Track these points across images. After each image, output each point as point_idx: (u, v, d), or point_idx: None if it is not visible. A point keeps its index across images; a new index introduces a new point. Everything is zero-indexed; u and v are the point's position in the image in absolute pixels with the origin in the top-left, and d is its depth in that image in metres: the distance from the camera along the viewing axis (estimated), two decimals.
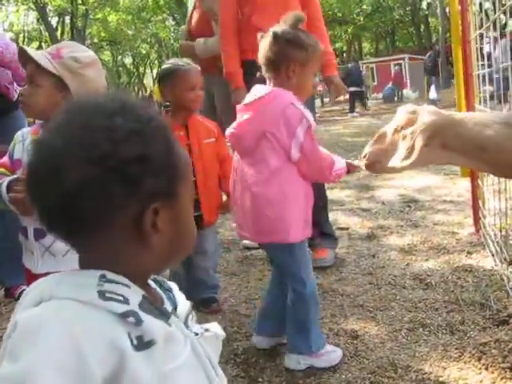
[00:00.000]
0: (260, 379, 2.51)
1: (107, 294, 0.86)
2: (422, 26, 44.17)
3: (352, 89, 19.09)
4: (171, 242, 0.97)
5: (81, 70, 2.10)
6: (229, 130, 2.56)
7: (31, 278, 2.20)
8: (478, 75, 3.76)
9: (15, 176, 2.05)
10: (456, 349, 2.59)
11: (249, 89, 2.60)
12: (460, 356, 2.52)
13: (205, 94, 4.32)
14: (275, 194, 2.41)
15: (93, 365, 0.78)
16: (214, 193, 3.15)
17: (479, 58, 3.82)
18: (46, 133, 0.93)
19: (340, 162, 2.49)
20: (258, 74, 2.57)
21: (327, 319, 3.00)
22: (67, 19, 38.31)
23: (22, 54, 2.11)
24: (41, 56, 2.08)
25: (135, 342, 0.84)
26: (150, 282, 1.04)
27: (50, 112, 2.15)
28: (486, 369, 2.38)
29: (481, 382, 2.30)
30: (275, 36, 2.41)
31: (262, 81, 2.55)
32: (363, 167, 2.20)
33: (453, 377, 2.37)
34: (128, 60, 53.61)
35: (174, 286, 1.11)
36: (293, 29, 2.42)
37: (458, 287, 3.25)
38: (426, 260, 3.77)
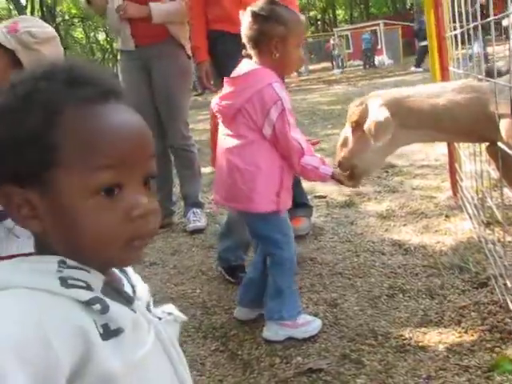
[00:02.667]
0: (239, 352, 2.48)
1: (69, 281, 0.81)
2: None
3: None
4: (64, 233, 0.84)
5: (36, 45, 2.02)
6: (214, 101, 2.56)
7: None
8: (451, 37, 3.71)
9: None
10: (436, 313, 2.58)
11: (216, 58, 2.60)
12: (440, 320, 2.51)
13: (132, 70, 4.15)
14: (246, 164, 2.43)
15: (60, 354, 0.73)
16: None
17: (451, 20, 3.77)
18: None
19: (315, 160, 2.40)
20: (243, 52, 2.51)
21: (306, 289, 2.98)
22: None
23: None
24: None
25: (101, 330, 0.80)
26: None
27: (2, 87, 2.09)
28: (466, 332, 2.38)
29: (461, 345, 2.29)
30: (253, 14, 2.42)
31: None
32: (346, 183, 2.31)
33: (433, 341, 2.36)
34: (101, 36, 52.90)
35: (128, 268, 1.02)
36: (270, 4, 2.42)
37: (437, 251, 3.24)
38: (405, 225, 3.75)
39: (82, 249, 0.85)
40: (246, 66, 2.48)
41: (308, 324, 2.57)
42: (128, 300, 0.90)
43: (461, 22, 3.20)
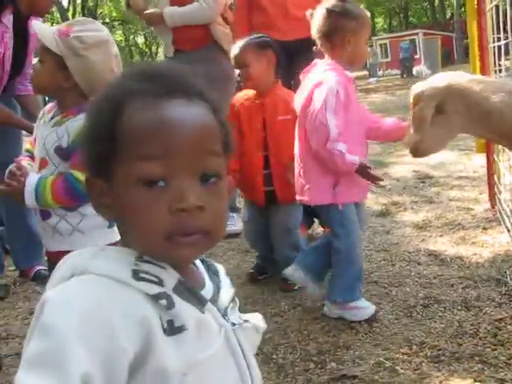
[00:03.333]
0: (274, 356, 2.50)
1: (141, 274, 0.83)
2: (436, 1, 43.64)
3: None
4: (126, 224, 0.88)
5: (84, 51, 2.02)
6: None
7: (48, 255, 2.28)
8: (494, 48, 3.69)
9: (10, 168, 2.07)
10: (471, 325, 2.56)
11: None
12: (475, 332, 2.50)
13: None
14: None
15: (123, 341, 0.76)
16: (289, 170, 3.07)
17: (495, 30, 3.75)
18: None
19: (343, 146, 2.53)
20: (314, 48, 2.79)
21: None
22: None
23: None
24: (46, 33, 2.05)
25: (165, 325, 0.81)
26: (198, 263, 0.99)
27: (52, 90, 2.14)
28: (502, 345, 2.36)
29: (496, 357, 2.28)
30: (327, 10, 2.58)
31: None
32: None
33: (468, 353, 2.34)
34: (140, 40, 53.46)
35: (220, 268, 1.04)
36: (341, 1, 2.60)
37: (474, 263, 3.22)
38: (441, 236, 3.74)
39: (135, 239, 0.88)
40: (318, 69, 2.66)
41: (359, 309, 2.71)
42: (200, 300, 0.89)
43: (506, 32, 3.20)
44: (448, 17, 42.30)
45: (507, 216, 3.53)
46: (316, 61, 2.73)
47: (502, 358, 2.27)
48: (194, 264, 0.98)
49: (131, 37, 51.64)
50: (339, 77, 2.58)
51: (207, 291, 0.94)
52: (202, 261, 1.00)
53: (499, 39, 3.51)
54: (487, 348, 2.36)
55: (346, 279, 2.75)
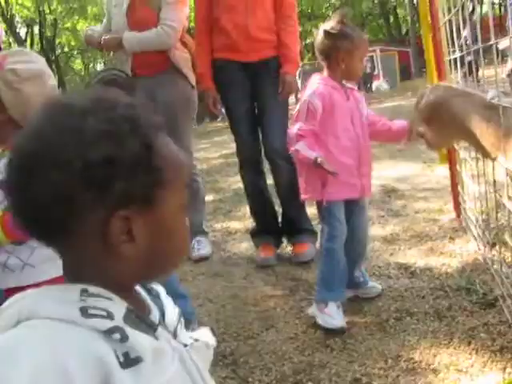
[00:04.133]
0: (250, 379, 2.48)
1: (90, 311, 0.81)
2: (391, 18, 44.34)
3: None
4: (151, 251, 0.89)
5: (18, 84, 1.95)
6: None
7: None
8: (450, 61, 3.75)
9: None
10: (445, 335, 2.58)
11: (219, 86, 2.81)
12: (449, 342, 2.51)
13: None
14: None
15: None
16: None
17: (449, 44, 3.81)
18: (20, 136, 0.87)
19: (305, 149, 2.77)
20: (316, 63, 3.00)
21: None
22: (36, 29, 38.00)
23: None
24: None
25: (121, 358, 0.80)
26: (138, 288, 0.98)
27: None
28: (476, 353, 2.38)
29: (472, 366, 2.29)
30: (325, 32, 2.86)
31: None
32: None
33: (444, 363, 2.36)
34: (99, 67, 53.27)
35: (161, 290, 1.04)
36: (339, 24, 2.84)
37: (443, 273, 3.24)
38: (410, 248, 3.76)
39: (167, 262, 0.95)
40: (312, 79, 2.97)
41: (330, 317, 2.79)
42: (151, 326, 0.90)
43: (460, 46, 3.25)
44: (404, 32, 42.99)
45: (473, 225, 3.56)
46: (313, 75, 3.01)
47: (477, 366, 2.29)
48: (135, 290, 0.97)
49: (91, 65, 51.41)
50: (320, 88, 2.85)
51: (154, 316, 0.95)
52: (143, 286, 1.00)
53: (454, 52, 3.57)
54: (462, 357, 2.37)
55: (325, 276, 2.90)
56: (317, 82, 2.91)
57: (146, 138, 0.87)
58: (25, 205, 0.85)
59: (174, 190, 0.91)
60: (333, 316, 2.79)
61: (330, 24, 2.89)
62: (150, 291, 1.01)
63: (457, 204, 4.17)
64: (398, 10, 43.70)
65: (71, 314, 0.80)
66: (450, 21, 3.63)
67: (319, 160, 2.70)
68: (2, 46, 3.56)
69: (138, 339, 0.83)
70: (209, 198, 6.19)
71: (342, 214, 2.89)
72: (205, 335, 1.09)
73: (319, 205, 2.95)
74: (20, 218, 0.87)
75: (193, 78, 4.15)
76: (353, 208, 2.97)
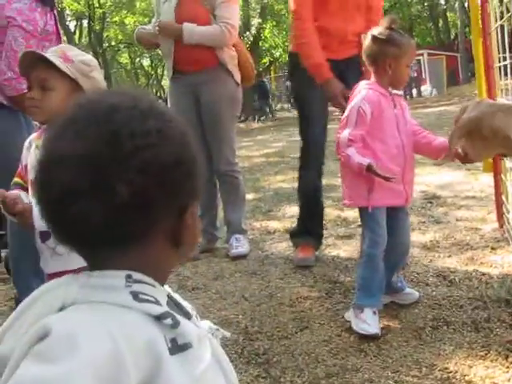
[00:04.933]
0: (282, 379, 2.47)
1: (140, 296, 0.82)
2: (441, 21, 43.84)
3: None
4: (190, 238, 0.94)
5: (91, 73, 2.14)
6: None
7: (47, 278, 2.24)
8: (500, 68, 3.69)
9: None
10: (482, 347, 2.54)
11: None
12: (486, 354, 2.47)
13: (180, 96, 4.22)
14: None
15: (130, 370, 0.74)
16: None
17: (500, 50, 3.75)
18: (74, 141, 0.81)
19: (356, 155, 2.77)
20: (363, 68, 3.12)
21: None
22: (85, 23, 38.58)
23: (29, 56, 2.10)
24: (55, 59, 2.07)
25: (170, 344, 0.81)
26: None
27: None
28: None
29: (508, 380, 2.25)
30: (373, 37, 2.88)
31: None
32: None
33: (479, 375, 2.32)
34: (146, 62, 53.73)
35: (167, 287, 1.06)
36: (388, 29, 2.85)
37: (483, 284, 3.19)
38: (449, 256, 3.71)
39: (193, 246, 1.00)
40: (360, 85, 2.97)
41: (366, 323, 2.75)
42: (187, 314, 0.91)
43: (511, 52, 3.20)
44: (452, 37, 42.45)
45: None
46: (361, 81, 3.00)
47: None
48: None
49: (137, 59, 51.92)
50: (369, 94, 2.85)
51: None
52: None
53: (505, 58, 3.51)
54: (498, 370, 2.33)
55: (364, 282, 2.88)
56: (365, 88, 2.91)
57: (188, 134, 0.91)
58: (97, 218, 0.80)
59: (195, 196, 0.95)
60: (368, 322, 2.76)
61: (378, 29, 2.89)
62: None
63: (500, 214, 4.10)
64: (448, 14, 43.17)
65: (124, 299, 0.81)
66: (501, 26, 3.58)
67: (374, 166, 2.70)
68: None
69: (187, 326, 0.85)
70: (249, 196, 6.21)
71: (384, 221, 2.87)
72: (209, 325, 1.11)
73: (362, 211, 2.95)
74: (77, 232, 0.84)
75: (238, 76, 4.17)
76: (395, 214, 2.95)
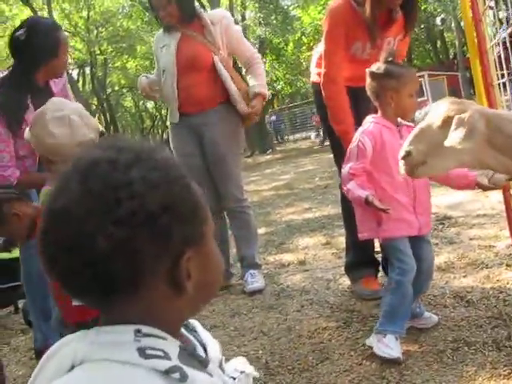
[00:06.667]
0: None
1: (147, 351, 0.83)
2: (439, 42, 44.13)
3: None
4: (203, 285, 0.92)
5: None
6: None
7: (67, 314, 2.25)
8: (499, 84, 3.71)
9: None
10: (505, 366, 2.51)
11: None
12: (510, 373, 2.45)
13: (183, 138, 4.27)
14: None
15: None
16: None
17: (497, 67, 3.78)
18: (58, 198, 0.85)
19: (356, 188, 2.83)
20: (371, 105, 3.05)
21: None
22: (87, 70, 39.03)
23: None
24: None
25: None
26: None
27: None
28: None
29: None
30: (371, 73, 2.95)
31: None
32: (402, 171, 2.26)
33: None
34: (150, 104, 54.19)
35: (196, 323, 1.07)
36: (385, 63, 2.91)
37: (501, 301, 3.17)
38: (465, 276, 3.70)
39: (211, 292, 1.00)
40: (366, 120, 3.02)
41: (389, 347, 2.76)
42: (203, 363, 0.91)
43: (508, 69, 3.22)
44: (451, 56, 42.66)
45: None
46: (367, 116, 3.04)
47: None
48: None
49: (141, 102, 52.38)
50: (369, 128, 2.93)
51: (200, 351, 0.97)
52: None
53: (503, 76, 3.54)
54: None
55: (391, 309, 2.86)
56: (369, 122, 2.97)
57: (182, 177, 0.90)
58: (81, 270, 0.83)
59: (209, 222, 0.95)
60: (390, 346, 2.76)
61: (376, 65, 2.95)
62: (186, 326, 1.03)
63: None
64: (446, 34, 43.45)
65: (130, 356, 0.82)
66: (498, 44, 3.62)
67: (370, 199, 2.73)
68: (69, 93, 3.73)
69: (196, 377, 0.84)
70: (261, 230, 6.23)
71: (407, 248, 2.88)
72: (243, 363, 1.10)
73: (382, 243, 3.00)
74: (73, 284, 0.87)
75: (245, 109, 4.20)
76: (417, 243, 2.96)
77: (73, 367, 0.83)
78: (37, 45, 3.22)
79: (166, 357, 0.84)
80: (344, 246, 4.10)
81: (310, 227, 6.23)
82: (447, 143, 2.02)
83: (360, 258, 3.85)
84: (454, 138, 1.99)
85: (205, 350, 1.00)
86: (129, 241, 0.81)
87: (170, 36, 4.21)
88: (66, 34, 3.37)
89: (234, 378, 1.00)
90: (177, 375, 0.82)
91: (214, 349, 1.02)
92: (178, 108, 4.24)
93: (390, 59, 2.93)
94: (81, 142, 2.28)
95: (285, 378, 2.79)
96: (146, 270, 0.84)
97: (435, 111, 2.12)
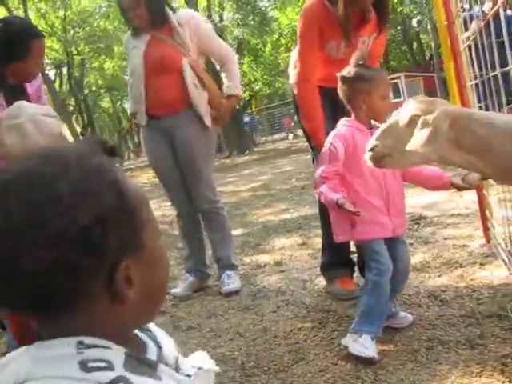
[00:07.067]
0: None
1: (89, 364, 0.81)
2: (415, 44, 44.39)
3: None
4: (148, 291, 0.90)
5: None
6: None
7: None
8: (472, 86, 3.76)
9: None
10: (477, 364, 2.54)
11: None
12: (482, 371, 2.47)
13: (155, 141, 4.27)
14: None
15: None
16: None
17: (470, 68, 3.82)
18: None
19: (328, 192, 2.84)
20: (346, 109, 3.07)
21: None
22: (64, 70, 38.75)
23: None
24: None
25: None
26: None
27: None
28: (510, 381, 2.34)
29: None
30: (342, 77, 2.97)
31: None
32: (368, 162, 2.28)
33: None
34: (128, 104, 54.05)
35: (152, 324, 1.05)
36: (355, 67, 2.92)
37: (474, 300, 3.20)
38: (440, 276, 3.73)
39: (159, 297, 0.97)
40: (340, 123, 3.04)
41: (364, 347, 2.78)
42: (152, 365, 0.90)
43: (480, 70, 3.26)
44: (428, 58, 42.93)
45: (502, 250, 3.53)
46: (340, 119, 3.06)
47: None
48: None
49: (118, 103, 52.14)
50: (341, 131, 2.95)
51: (152, 352, 0.95)
52: None
53: (476, 77, 3.58)
54: None
55: (367, 309, 2.88)
56: (341, 125, 3.00)
57: (115, 183, 0.85)
58: (13, 290, 0.80)
59: (150, 223, 0.91)
60: (366, 346, 2.78)
61: (347, 69, 2.97)
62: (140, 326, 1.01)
63: (486, 229, 4.13)
64: (422, 36, 43.72)
65: (71, 371, 0.80)
66: (469, 46, 3.66)
67: (340, 201, 2.75)
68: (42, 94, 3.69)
69: None
70: (237, 231, 6.23)
71: (383, 249, 2.90)
72: (203, 359, 1.09)
73: (357, 245, 3.03)
74: (9, 300, 0.84)
75: (209, 120, 4.20)
76: (392, 244, 2.98)
77: None
78: (5, 44, 3.18)
79: (110, 368, 0.82)
80: (320, 246, 4.11)
81: (287, 228, 6.25)
82: (409, 146, 2.05)
83: (336, 259, 3.85)
84: (417, 139, 2.02)
85: (159, 348, 0.98)
86: (60, 259, 0.77)
87: (139, 38, 4.20)
88: (42, 40, 3.30)
89: (190, 376, 0.98)
90: None
91: (169, 346, 1.01)
92: (145, 110, 4.23)
93: (361, 62, 2.95)
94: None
95: (260, 378, 2.79)
96: (81, 284, 0.81)
97: (404, 109, 2.15)
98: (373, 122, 2.96)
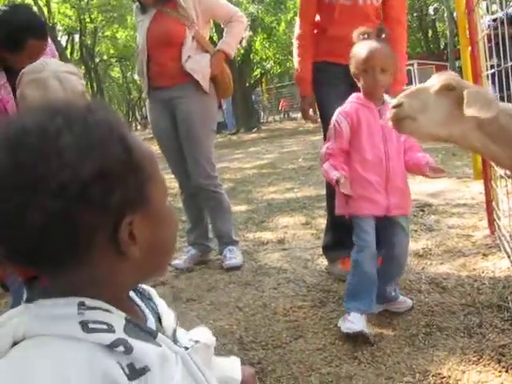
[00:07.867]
0: None
1: (90, 325, 0.81)
2: (430, 32, 44.12)
3: None
4: (151, 248, 0.90)
5: None
6: None
7: None
8: (487, 76, 3.73)
9: None
10: (474, 352, 2.55)
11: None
12: (479, 359, 2.49)
13: (158, 112, 4.25)
14: None
15: None
16: None
17: (487, 58, 3.80)
18: None
19: (330, 169, 2.86)
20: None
21: None
22: (76, 38, 38.63)
23: None
24: None
25: (127, 370, 0.80)
26: (132, 294, 0.99)
27: None
28: (507, 371, 2.35)
29: None
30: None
31: None
32: (389, 122, 2.22)
33: (472, 380, 2.34)
34: (137, 76, 53.88)
35: (152, 292, 1.05)
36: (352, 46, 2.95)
37: (475, 290, 3.21)
38: (442, 264, 3.73)
39: (164, 254, 0.96)
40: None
41: (351, 322, 2.80)
42: (151, 333, 0.90)
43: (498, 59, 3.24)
44: (442, 47, 42.66)
45: (507, 242, 3.53)
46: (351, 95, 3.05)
47: None
48: (130, 298, 0.98)
49: (128, 73, 52.00)
50: (347, 107, 2.95)
51: (151, 322, 0.95)
52: (134, 290, 1.01)
53: (492, 66, 3.55)
54: (491, 375, 2.35)
55: (351, 287, 2.93)
56: (348, 101, 3.01)
57: (122, 139, 0.85)
58: (19, 242, 0.81)
59: (156, 181, 0.91)
60: (353, 321, 2.80)
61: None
62: (142, 294, 1.02)
63: (491, 220, 4.13)
64: (438, 24, 43.44)
65: (72, 330, 0.80)
66: (488, 35, 3.63)
67: (341, 180, 2.77)
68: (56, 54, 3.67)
69: (143, 349, 0.84)
70: (241, 208, 6.25)
71: (371, 228, 2.89)
72: (203, 334, 1.09)
73: (350, 220, 2.99)
74: (10, 253, 0.84)
75: (207, 84, 4.15)
76: (390, 227, 2.96)
77: (15, 343, 0.81)
78: (5, 33, 3.10)
79: (110, 330, 0.82)
80: (324, 227, 4.11)
81: (291, 207, 6.25)
82: (436, 115, 2.05)
83: (338, 239, 3.83)
84: (445, 110, 2.02)
85: (159, 318, 0.99)
86: (64, 213, 0.78)
87: (146, 13, 4.20)
88: (41, 42, 3.16)
89: (187, 348, 0.98)
90: (121, 348, 0.81)
91: (169, 318, 1.01)
92: (148, 83, 4.24)
93: (363, 37, 2.94)
94: None
95: (258, 353, 2.80)
96: (85, 240, 0.81)
97: (438, 76, 2.14)
98: (385, 97, 2.88)
